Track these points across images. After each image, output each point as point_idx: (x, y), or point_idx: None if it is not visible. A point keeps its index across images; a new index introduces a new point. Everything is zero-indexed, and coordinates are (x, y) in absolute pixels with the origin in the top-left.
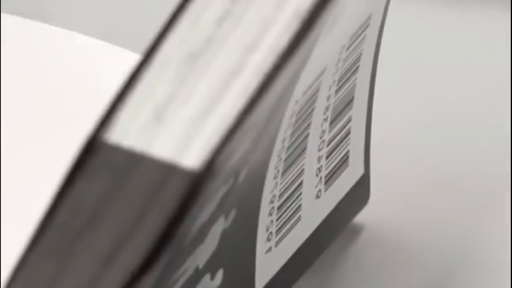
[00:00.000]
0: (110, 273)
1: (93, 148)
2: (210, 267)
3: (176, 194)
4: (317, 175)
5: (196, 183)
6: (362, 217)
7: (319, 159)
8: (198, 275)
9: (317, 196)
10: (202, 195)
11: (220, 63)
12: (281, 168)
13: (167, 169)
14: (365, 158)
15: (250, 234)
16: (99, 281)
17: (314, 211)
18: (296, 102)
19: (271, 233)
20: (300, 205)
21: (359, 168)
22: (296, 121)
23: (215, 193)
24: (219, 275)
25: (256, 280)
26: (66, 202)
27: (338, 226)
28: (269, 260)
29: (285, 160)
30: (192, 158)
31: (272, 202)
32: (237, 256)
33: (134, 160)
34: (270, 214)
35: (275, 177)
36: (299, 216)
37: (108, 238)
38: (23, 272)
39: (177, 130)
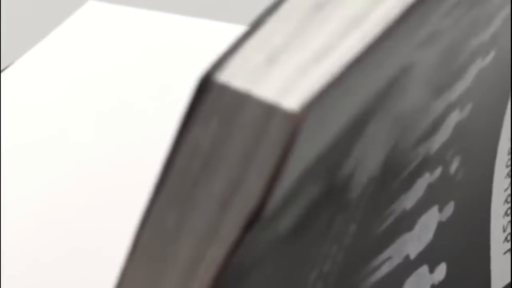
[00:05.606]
0: (227, 219)
1: (206, 88)
2: (427, 259)
3: (276, 137)
4: None
5: (293, 126)
6: None
7: None
8: (409, 265)
9: None
10: (300, 140)
11: (344, 14)
12: None
13: (269, 111)
14: None
15: (480, 232)
16: (218, 227)
17: None
18: None
19: (509, 233)
20: None
21: None
22: None
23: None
24: (441, 269)
25: (492, 280)
26: (185, 144)
27: None
28: (508, 262)
29: None
30: (292, 101)
31: (508, 202)
32: (464, 252)
33: (240, 101)
34: (507, 215)
35: (508, 175)
36: None
37: (223, 182)
38: (148, 224)
39: (284, 74)
